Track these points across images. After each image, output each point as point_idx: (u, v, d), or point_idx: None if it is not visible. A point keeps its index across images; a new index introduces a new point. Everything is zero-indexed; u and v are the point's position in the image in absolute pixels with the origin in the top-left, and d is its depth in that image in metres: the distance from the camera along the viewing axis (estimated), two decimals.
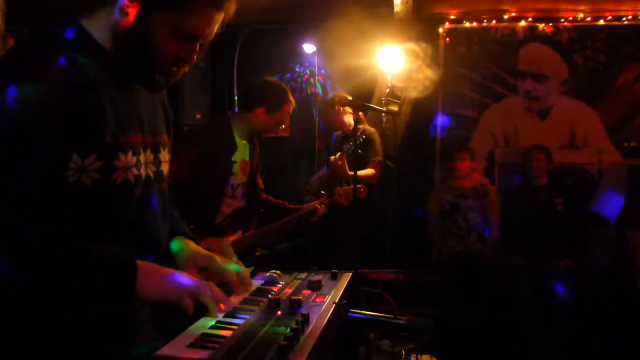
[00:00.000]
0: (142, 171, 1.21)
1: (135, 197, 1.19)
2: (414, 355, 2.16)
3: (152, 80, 1.19)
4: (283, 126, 2.79)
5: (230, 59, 5.00)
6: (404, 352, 2.18)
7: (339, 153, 3.53)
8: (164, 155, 1.32)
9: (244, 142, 2.70)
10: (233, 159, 2.61)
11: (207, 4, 1.13)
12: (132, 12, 1.10)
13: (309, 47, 4.81)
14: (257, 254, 3.88)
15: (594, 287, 4.29)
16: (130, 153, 1.16)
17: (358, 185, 2.99)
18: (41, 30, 1.12)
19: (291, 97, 2.72)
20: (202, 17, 1.14)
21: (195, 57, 1.19)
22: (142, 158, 1.21)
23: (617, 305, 4.03)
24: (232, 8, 1.18)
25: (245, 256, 2.66)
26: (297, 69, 5.15)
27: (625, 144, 4.82)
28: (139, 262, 1.10)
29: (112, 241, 1.12)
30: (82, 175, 1.07)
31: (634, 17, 4.77)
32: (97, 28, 1.15)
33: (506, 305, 4.14)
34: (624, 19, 4.79)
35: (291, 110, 2.74)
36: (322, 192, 3.20)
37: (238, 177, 2.64)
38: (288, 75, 5.14)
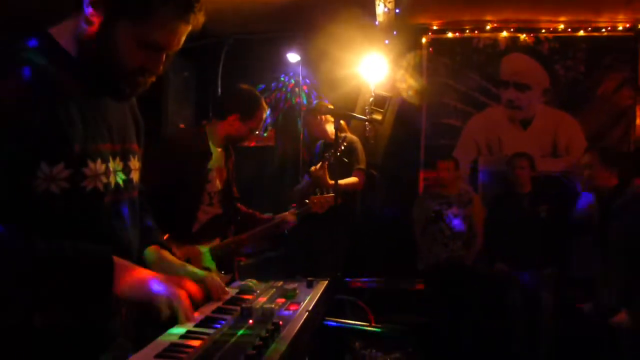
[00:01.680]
0: (112, 179, 1.20)
1: (105, 205, 1.18)
2: None
3: (119, 90, 1.19)
4: (257, 132, 2.78)
5: (215, 68, 5.00)
6: None
7: (320, 163, 3.54)
8: (134, 163, 1.31)
9: (219, 150, 2.70)
10: (209, 166, 2.61)
11: (173, 16, 1.13)
12: (97, 22, 1.10)
13: (293, 57, 4.83)
14: (242, 263, 3.86)
15: (577, 295, 4.32)
16: (99, 161, 1.16)
17: (332, 194, 2.98)
18: (8, 39, 1.11)
19: (264, 103, 2.73)
20: (168, 28, 1.14)
21: (161, 67, 1.19)
22: (111, 166, 1.20)
23: (600, 312, 4.05)
24: (199, 20, 1.17)
25: (224, 263, 2.65)
26: (282, 79, 5.17)
27: None
28: (116, 259, 1.09)
29: None
30: (50, 184, 1.07)
31: (613, 28, 4.86)
32: (65, 37, 1.15)
33: (491, 312, 4.16)
34: (604, 29, 4.87)
35: (264, 116, 2.75)
36: (307, 201, 3.20)
37: (214, 184, 2.64)
38: (273, 84, 5.15)
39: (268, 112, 2.85)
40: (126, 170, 1.27)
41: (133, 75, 1.16)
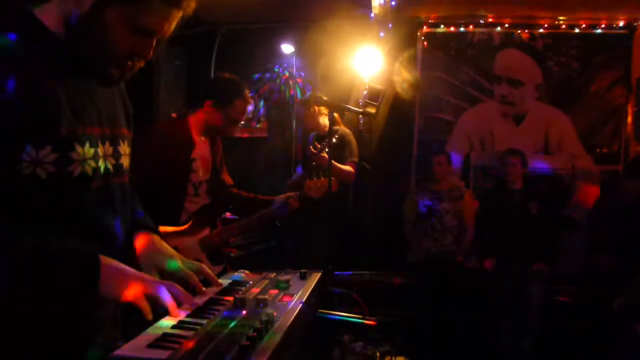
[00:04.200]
0: (101, 164, 1.19)
1: (92, 190, 1.16)
2: (389, 357, 2.15)
3: (107, 74, 1.16)
4: (238, 123, 2.68)
5: (208, 57, 4.96)
6: (378, 354, 2.18)
7: (312, 148, 3.51)
8: (124, 148, 1.29)
9: (203, 138, 2.64)
10: (192, 156, 2.55)
11: (165, 1, 1.11)
12: (88, 4, 1.08)
13: (287, 48, 4.80)
14: (233, 255, 3.83)
15: (566, 290, 4.36)
16: (87, 145, 1.14)
17: (327, 178, 2.91)
18: None
19: (246, 95, 2.62)
20: (160, 14, 1.12)
21: (151, 52, 1.17)
22: (100, 151, 1.18)
23: (588, 307, 4.09)
24: (191, 5, 1.16)
25: (215, 254, 2.61)
26: (276, 69, 5.13)
27: (597, 150, 4.91)
28: (102, 258, 1.08)
29: (68, 235, 1.09)
30: (36, 168, 1.04)
31: (607, 26, 4.88)
32: (52, 18, 1.12)
33: (480, 307, 4.19)
34: (598, 27, 4.89)
35: (244, 107, 2.64)
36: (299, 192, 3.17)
37: (199, 174, 2.59)
38: (266, 75, 5.12)
39: (251, 105, 2.77)
40: (116, 155, 1.25)
41: (122, 60, 1.14)
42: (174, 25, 1.16)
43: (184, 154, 2.53)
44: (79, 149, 1.11)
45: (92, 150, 1.15)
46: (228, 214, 3.47)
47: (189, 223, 2.56)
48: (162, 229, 2.28)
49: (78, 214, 1.14)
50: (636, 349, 2.93)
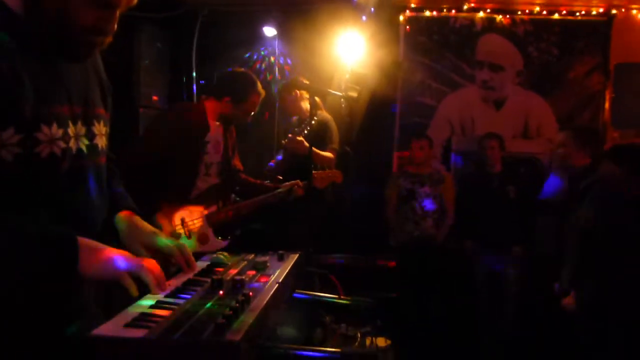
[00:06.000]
0: (72, 144, 1.16)
1: (63, 171, 1.14)
2: (369, 338, 2.19)
3: (72, 50, 1.14)
4: (253, 114, 2.95)
5: (189, 39, 4.90)
6: (359, 335, 2.21)
7: (291, 135, 3.59)
8: (99, 128, 1.26)
9: (217, 123, 2.87)
10: (206, 139, 2.79)
11: None
12: None
13: (269, 31, 4.76)
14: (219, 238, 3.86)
15: (542, 272, 4.45)
16: (55, 125, 1.10)
17: (336, 171, 3.28)
18: None
19: (259, 88, 2.88)
20: None
21: (114, 26, 1.14)
22: (70, 131, 1.15)
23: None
24: None
25: (221, 230, 2.86)
26: (258, 52, 5.10)
27: None
28: (80, 239, 1.08)
29: (39, 218, 1.08)
30: (1, 150, 1.02)
31: (587, 13, 4.93)
32: None
33: (459, 288, 4.27)
34: (577, 13, 4.94)
35: (259, 100, 2.91)
36: (279, 177, 3.25)
37: (211, 156, 2.83)
38: (247, 57, 5.08)
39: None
40: (89, 135, 1.22)
41: (86, 36, 1.12)
42: None
43: (199, 136, 2.78)
44: (45, 129, 1.08)
45: (60, 131, 1.12)
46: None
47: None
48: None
49: (48, 196, 1.12)
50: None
